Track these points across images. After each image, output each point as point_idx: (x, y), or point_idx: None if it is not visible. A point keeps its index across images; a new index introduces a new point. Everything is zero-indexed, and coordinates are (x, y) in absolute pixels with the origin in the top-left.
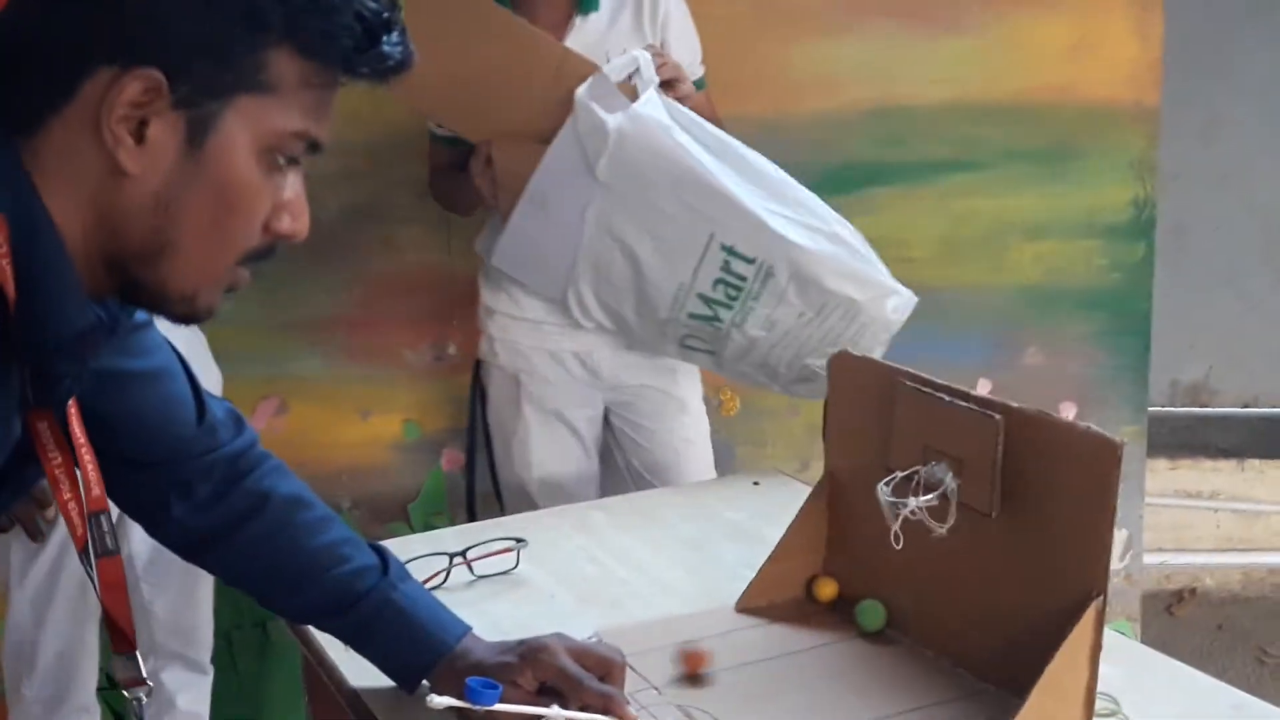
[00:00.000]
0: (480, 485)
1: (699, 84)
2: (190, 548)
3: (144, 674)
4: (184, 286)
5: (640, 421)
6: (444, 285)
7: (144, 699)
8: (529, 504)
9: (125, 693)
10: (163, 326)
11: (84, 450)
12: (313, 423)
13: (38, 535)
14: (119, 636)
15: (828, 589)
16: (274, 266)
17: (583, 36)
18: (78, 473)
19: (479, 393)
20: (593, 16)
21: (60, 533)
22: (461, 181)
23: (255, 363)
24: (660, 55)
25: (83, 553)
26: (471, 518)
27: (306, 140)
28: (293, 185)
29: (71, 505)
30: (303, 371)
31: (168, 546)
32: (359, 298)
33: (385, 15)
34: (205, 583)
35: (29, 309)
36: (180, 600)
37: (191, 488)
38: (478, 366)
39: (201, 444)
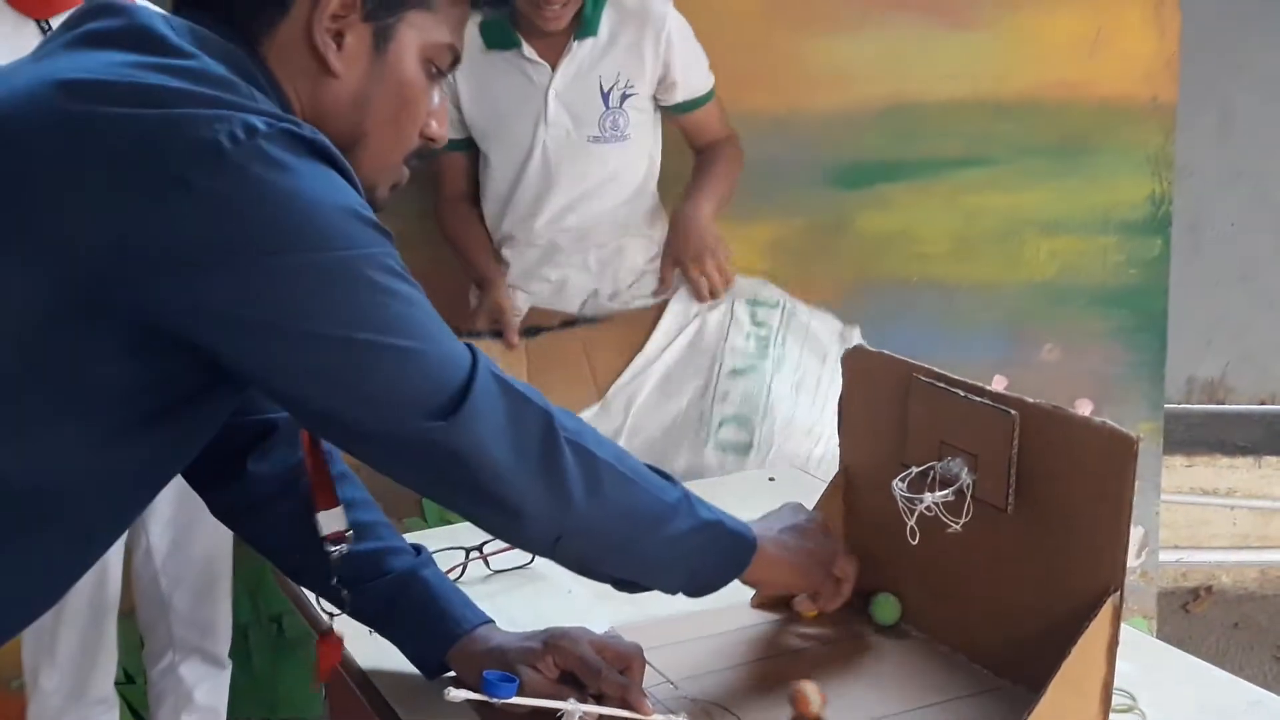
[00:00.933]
0: None
1: (707, 97)
2: (245, 508)
3: (347, 526)
4: (370, 175)
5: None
6: (463, 278)
7: (343, 552)
8: None
9: (328, 546)
10: None
11: None
12: None
13: None
14: (325, 491)
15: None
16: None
17: (577, 59)
18: None
19: None
20: (589, 40)
21: None
22: (472, 257)
23: None
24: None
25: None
26: None
27: (453, 54)
28: (438, 96)
29: None
30: None
31: (220, 507)
32: None
33: None
34: (224, 576)
35: None
36: (199, 593)
37: (266, 442)
38: None
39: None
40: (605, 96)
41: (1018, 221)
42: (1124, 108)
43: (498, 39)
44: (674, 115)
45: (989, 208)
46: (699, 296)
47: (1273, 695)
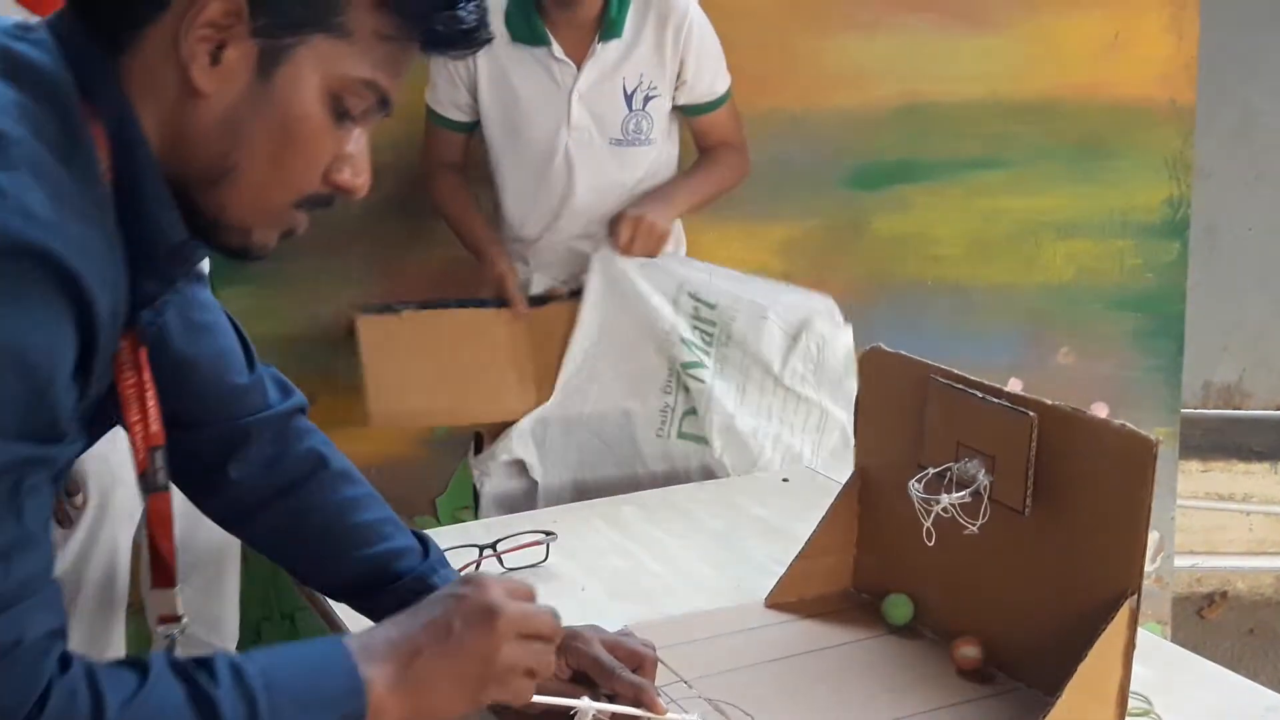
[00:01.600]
0: None
1: (718, 102)
2: (236, 514)
3: (180, 610)
4: (241, 216)
5: None
6: (472, 277)
7: (178, 634)
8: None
9: (159, 628)
10: None
11: (149, 387)
12: (340, 416)
13: (66, 521)
14: (162, 570)
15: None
16: (302, 257)
17: (601, 61)
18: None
19: None
20: (614, 42)
21: (88, 520)
22: (467, 229)
23: (282, 355)
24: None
25: (141, 477)
26: (476, 513)
27: (376, 92)
28: (357, 140)
29: (138, 428)
30: (330, 364)
31: (214, 514)
32: (386, 289)
33: None
34: (232, 573)
35: (128, 225)
36: (206, 589)
37: (243, 449)
38: None
39: (251, 402)
40: (628, 99)
41: (1034, 224)
42: (1142, 110)
43: (525, 33)
44: (685, 116)
45: (1005, 210)
46: (619, 246)
47: None
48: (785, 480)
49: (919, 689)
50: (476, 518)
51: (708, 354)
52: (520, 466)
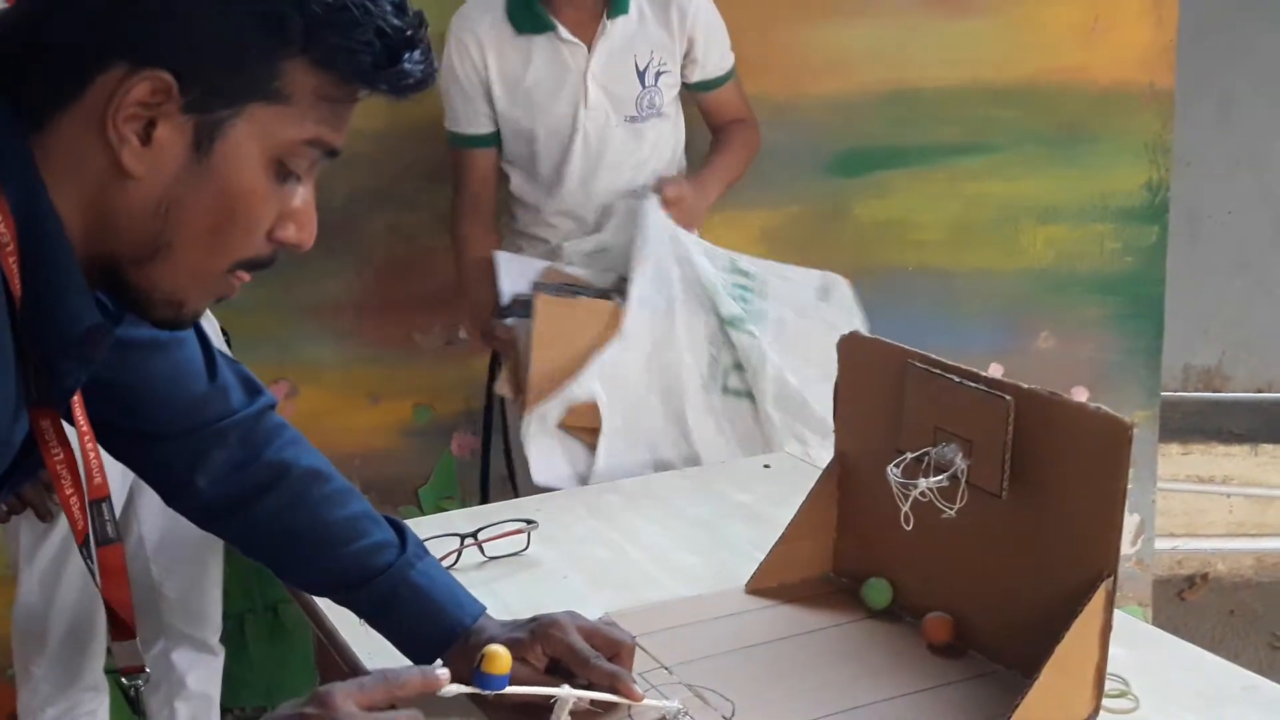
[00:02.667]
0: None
1: (727, 76)
2: (210, 518)
3: (143, 661)
4: (173, 291)
5: None
6: (454, 269)
7: (142, 685)
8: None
9: (124, 679)
10: None
11: (86, 439)
12: (323, 407)
13: (47, 515)
14: (118, 625)
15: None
16: (282, 251)
17: (611, 39)
18: (80, 465)
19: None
20: (621, 19)
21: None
22: (476, 293)
23: (265, 347)
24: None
25: (83, 545)
26: (484, 500)
27: (321, 149)
28: (302, 194)
29: (73, 499)
30: (313, 356)
31: (188, 517)
32: (368, 282)
33: (409, 33)
34: (215, 564)
35: (35, 308)
36: (190, 581)
37: (209, 457)
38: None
39: (214, 410)
40: (641, 75)
41: (1015, 209)
42: (1122, 95)
43: (529, 23)
44: (693, 93)
45: (987, 195)
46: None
47: (1266, 681)
48: (767, 466)
49: (899, 672)
50: (514, 486)
51: (749, 309)
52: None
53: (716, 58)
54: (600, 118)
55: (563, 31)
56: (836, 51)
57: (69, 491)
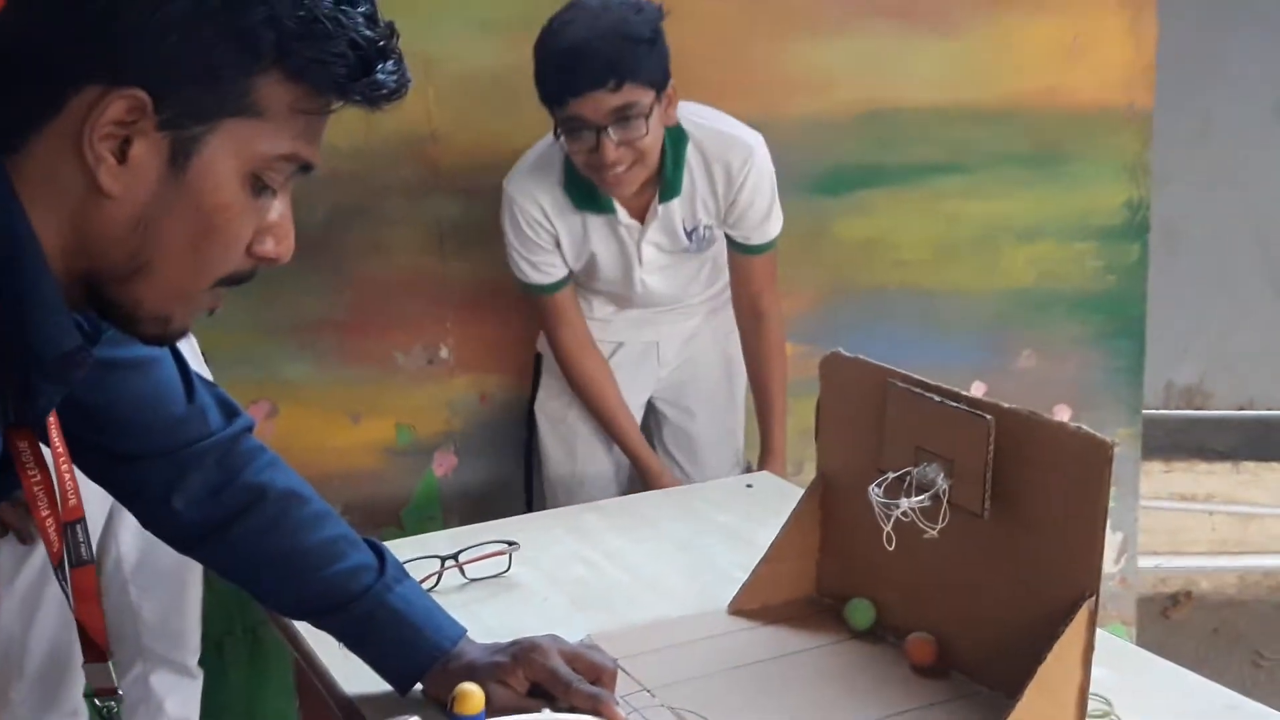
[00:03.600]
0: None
1: (764, 248)
2: (187, 541)
3: (116, 683)
4: (158, 308)
5: (690, 405)
6: (436, 288)
7: (115, 707)
8: (570, 497)
9: (97, 701)
10: None
11: (61, 460)
12: (303, 427)
13: (29, 539)
14: (91, 647)
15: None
16: (264, 270)
17: (665, 218)
18: (55, 486)
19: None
20: (674, 200)
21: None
22: (619, 430)
23: (245, 366)
24: None
25: (58, 568)
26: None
27: (296, 163)
28: (279, 208)
29: (49, 521)
30: (293, 375)
31: (164, 539)
32: (349, 301)
33: (381, 44)
34: (194, 586)
35: (12, 329)
36: (168, 603)
37: (186, 479)
38: (538, 360)
39: (191, 431)
40: (689, 234)
41: (996, 228)
42: (1101, 114)
43: (589, 204)
44: (729, 249)
45: (967, 214)
46: None
47: (1248, 700)
48: (749, 486)
49: (882, 693)
50: (528, 502)
51: None
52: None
53: (754, 227)
54: (654, 267)
55: (621, 214)
56: (815, 71)
57: (44, 513)
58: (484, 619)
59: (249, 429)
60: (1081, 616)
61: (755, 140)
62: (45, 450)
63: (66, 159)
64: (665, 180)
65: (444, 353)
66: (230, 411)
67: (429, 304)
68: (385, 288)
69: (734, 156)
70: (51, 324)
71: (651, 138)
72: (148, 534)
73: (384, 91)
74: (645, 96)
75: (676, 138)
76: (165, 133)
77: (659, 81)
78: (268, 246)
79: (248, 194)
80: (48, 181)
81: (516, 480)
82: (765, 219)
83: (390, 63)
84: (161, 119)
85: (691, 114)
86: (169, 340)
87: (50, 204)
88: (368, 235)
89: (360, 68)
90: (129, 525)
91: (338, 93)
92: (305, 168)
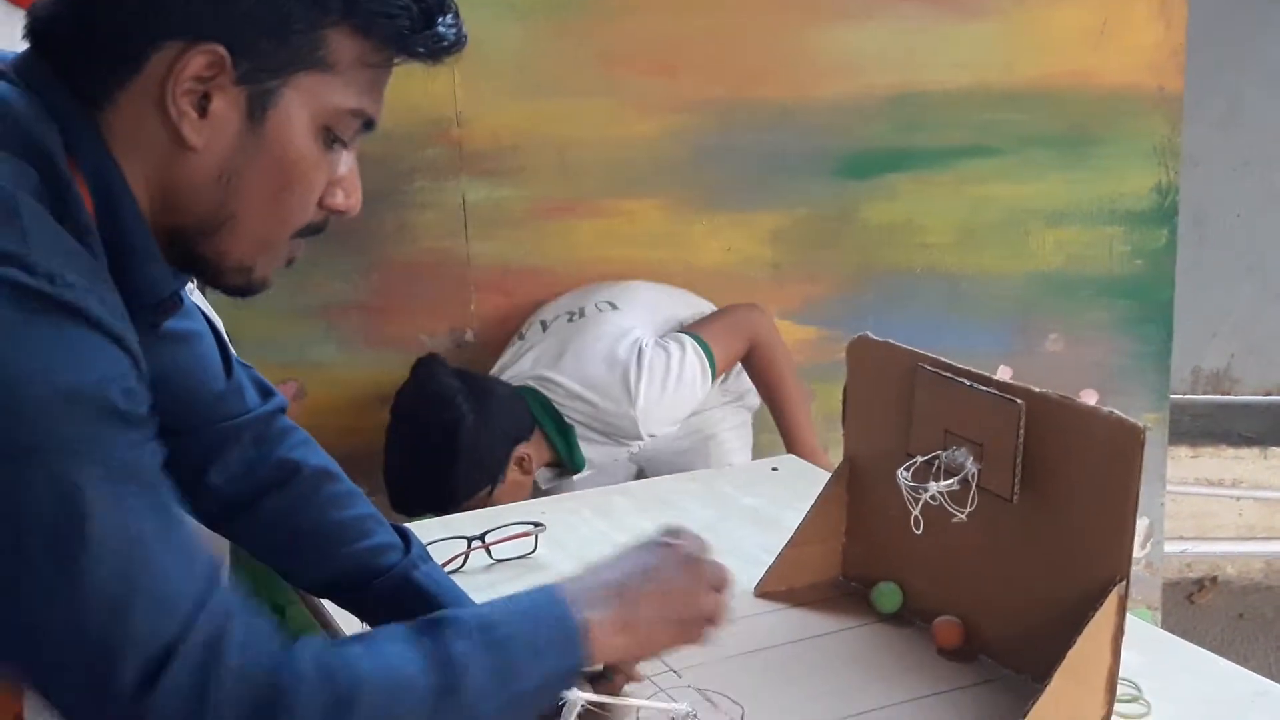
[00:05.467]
0: None
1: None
2: (219, 516)
3: None
4: (242, 258)
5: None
6: (461, 271)
7: None
8: None
9: None
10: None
11: None
12: (331, 408)
13: None
14: None
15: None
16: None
17: (605, 471)
18: None
19: None
20: (587, 471)
21: None
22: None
23: (272, 348)
24: None
25: None
26: None
27: (362, 118)
28: (346, 162)
29: None
30: (320, 357)
31: (196, 516)
32: (376, 283)
33: None
34: (220, 566)
35: (118, 281)
36: None
37: (223, 454)
38: None
39: (228, 408)
40: (634, 452)
41: (1023, 211)
42: (1130, 98)
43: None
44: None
45: (995, 198)
46: None
47: (1277, 685)
48: (775, 469)
49: (908, 676)
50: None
51: None
52: None
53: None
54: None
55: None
56: (843, 54)
57: None
58: None
59: (283, 409)
60: (1111, 601)
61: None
62: None
63: (150, 115)
64: (564, 461)
65: (469, 335)
66: (265, 391)
67: (454, 287)
68: (411, 270)
69: (611, 396)
70: (153, 270)
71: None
72: None
73: (444, 44)
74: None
75: (561, 427)
76: (242, 87)
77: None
78: (338, 199)
79: (320, 146)
80: (134, 137)
81: None
82: (665, 414)
83: (449, 16)
84: (239, 73)
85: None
86: (252, 290)
87: (138, 158)
88: (393, 218)
89: (422, 20)
90: None
91: (400, 45)
92: (369, 124)
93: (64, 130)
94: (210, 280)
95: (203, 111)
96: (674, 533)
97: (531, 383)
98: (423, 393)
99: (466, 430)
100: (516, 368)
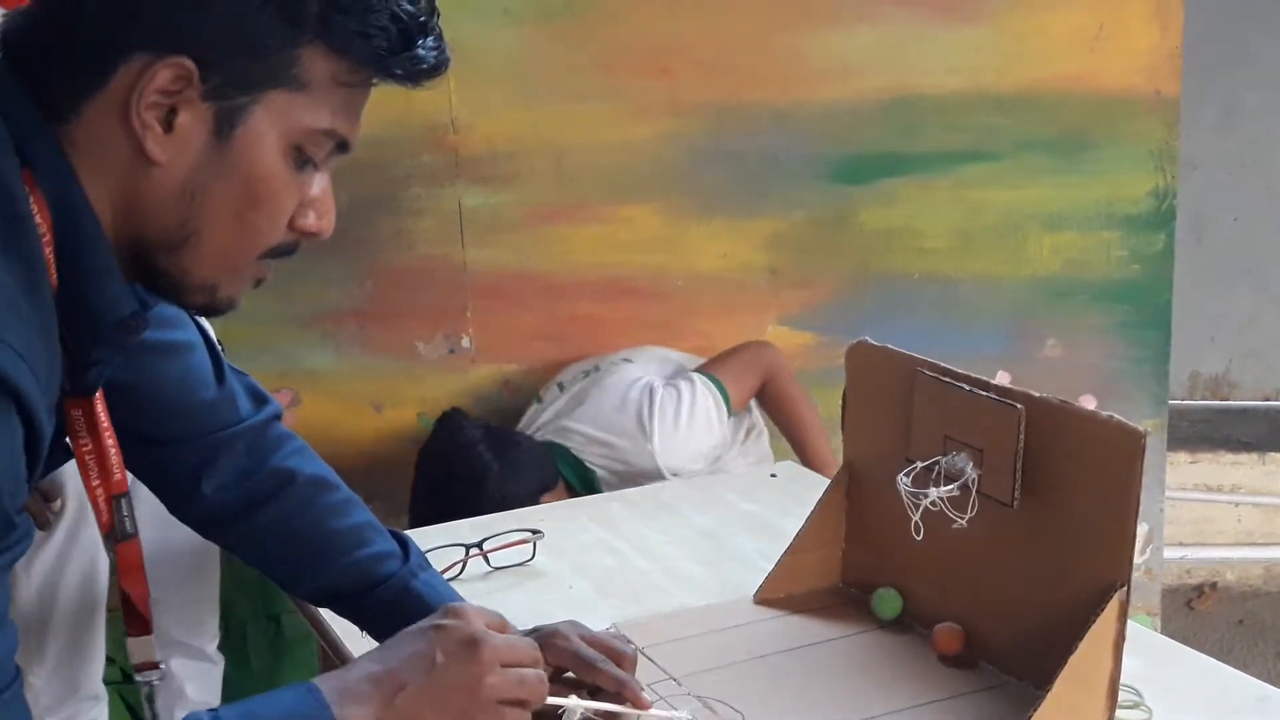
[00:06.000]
0: None
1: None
2: (214, 525)
3: (157, 658)
4: (205, 276)
5: None
6: (457, 278)
7: (155, 682)
8: None
9: (138, 675)
10: None
11: (107, 434)
12: (326, 416)
13: (46, 524)
14: (135, 619)
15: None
16: (285, 258)
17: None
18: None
19: None
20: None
21: (67, 522)
22: None
23: (268, 356)
24: None
25: (107, 536)
26: None
27: (335, 139)
28: (319, 182)
29: (99, 490)
30: (315, 364)
31: (191, 524)
32: (371, 290)
33: (422, 19)
34: (212, 572)
35: (73, 297)
36: (186, 590)
37: (216, 464)
38: None
39: (222, 417)
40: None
41: (1020, 216)
42: (1127, 102)
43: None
44: None
45: (992, 202)
46: None
47: (1278, 691)
48: (773, 475)
49: (909, 683)
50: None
51: None
52: None
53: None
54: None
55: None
56: (839, 59)
57: (95, 483)
58: (509, 607)
59: (277, 416)
60: (1112, 607)
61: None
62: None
63: (114, 128)
64: (578, 489)
65: (465, 342)
66: (259, 398)
67: (450, 293)
68: (406, 277)
69: (627, 434)
70: (110, 289)
71: None
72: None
73: (424, 67)
74: None
75: (583, 475)
76: (210, 102)
77: None
78: (310, 220)
79: (290, 166)
80: (97, 150)
81: None
82: (685, 448)
83: (431, 39)
84: (206, 88)
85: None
86: (217, 311)
87: (100, 172)
88: (389, 225)
89: (401, 42)
90: (146, 512)
91: (378, 66)
92: (343, 146)
93: (24, 144)
94: (173, 298)
95: (168, 126)
96: (454, 612)
97: (551, 435)
98: (449, 445)
99: (493, 480)
100: (536, 424)
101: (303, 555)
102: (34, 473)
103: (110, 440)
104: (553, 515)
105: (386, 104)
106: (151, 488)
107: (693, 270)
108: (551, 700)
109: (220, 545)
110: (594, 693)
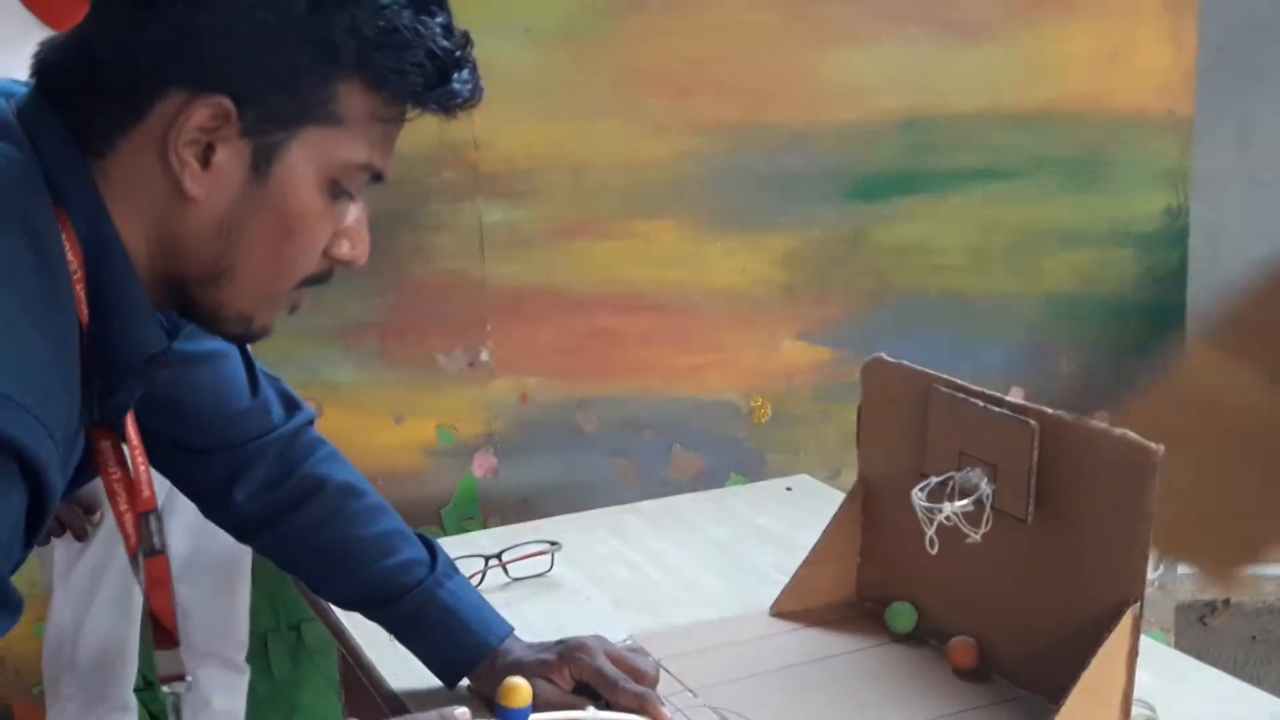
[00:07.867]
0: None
1: None
2: (246, 530)
3: (184, 670)
4: (241, 309)
5: None
6: (477, 291)
7: (182, 694)
8: None
9: (165, 687)
10: None
11: (137, 453)
12: (346, 427)
13: (83, 535)
14: (162, 633)
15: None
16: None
17: None
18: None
19: None
20: None
21: (104, 533)
22: None
23: (289, 367)
24: None
25: (134, 557)
26: None
27: (370, 172)
28: (354, 212)
29: (127, 515)
30: (336, 376)
31: (224, 528)
32: (392, 303)
33: (457, 54)
34: (242, 582)
35: (102, 334)
36: (217, 599)
37: (248, 472)
38: None
39: (255, 426)
40: None
41: (1035, 234)
42: (1141, 121)
43: None
44: None
45: (1006, 220)
46: None
47: None
48: (789, 489)
49: (923, 697)
50: None
51: None
52: None
53: None
54: None
55: None
56: (854, 79)
57: (123, 508)
58: (527, 618)
59: (310, 422)
60: (1126, 622)
61: None
62: (123, 446)
63: (151, 164)
64: None
65: (484, 355)
66: (292, 405)
67: (470, 307)
68: (427, 291)
69: None
70: (139, 328)
71: None
72: (197, 531)
73: (459, 100)
74: None
75: None
76: (248, 139)
77: None
78: (344, 250)
79: (326, 199)
80: (133, 185)
81: (556, 482)
82: None
83: (465, 72)
84: (244, 125)
85: None
86: (252, 339)
87: (136, 208)
88: (410, 240)
89: (437, 77)
90: (179, 522)
91: (414, 101)
92: (378, 177)
93: (56, 181)
94: (209, 327)
95: (205, 163)
96: (447, 718)
97: None
98: None
99: None
100: None
101: (330, 563)
102: (35, 535)
103: (140, 458)
104: (570, 527)
105: (410, 123)
106: (184, 492)
107: (710, 286)
108: (571, 714)
109: (253, 549)
110: (616, 707)
